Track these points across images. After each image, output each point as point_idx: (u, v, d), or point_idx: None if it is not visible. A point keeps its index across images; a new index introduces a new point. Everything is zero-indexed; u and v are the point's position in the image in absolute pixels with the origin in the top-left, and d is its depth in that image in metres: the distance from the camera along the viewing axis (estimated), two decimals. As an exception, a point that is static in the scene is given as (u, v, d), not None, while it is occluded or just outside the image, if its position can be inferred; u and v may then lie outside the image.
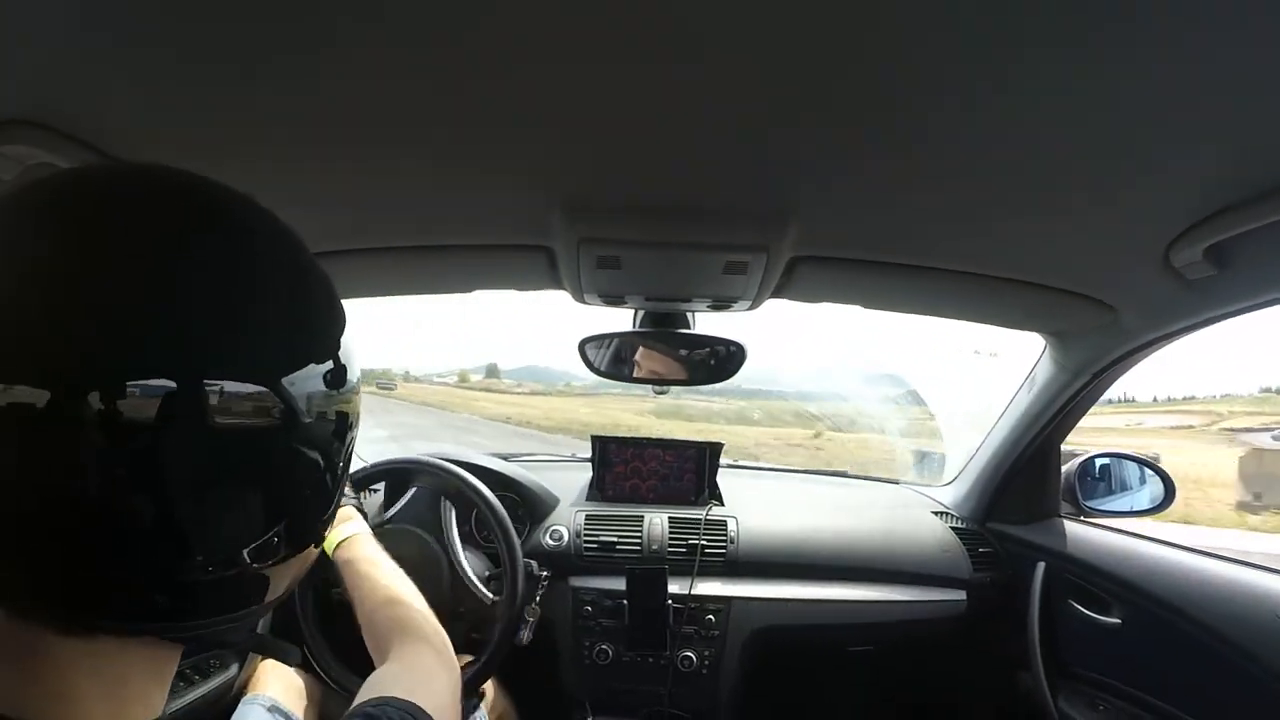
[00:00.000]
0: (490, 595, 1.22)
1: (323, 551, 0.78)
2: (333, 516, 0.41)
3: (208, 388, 0.31)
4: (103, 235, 0.31)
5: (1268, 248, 0.69)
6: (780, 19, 0.45)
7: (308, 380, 0.35)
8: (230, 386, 0.32)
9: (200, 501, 0.33)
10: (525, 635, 1.23)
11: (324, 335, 0.37)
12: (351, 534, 0.83)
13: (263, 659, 1.21)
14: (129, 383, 0.29)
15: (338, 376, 0.36)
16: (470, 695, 1.12)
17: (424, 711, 0.48)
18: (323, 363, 0.36)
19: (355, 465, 1.50)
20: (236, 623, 0.37)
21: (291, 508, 0.37)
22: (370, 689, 0.51)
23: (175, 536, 0.32)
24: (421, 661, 0.62)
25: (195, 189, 0.36)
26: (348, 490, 0.96)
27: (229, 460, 0.33)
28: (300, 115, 0.60)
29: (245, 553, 0.35)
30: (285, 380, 0.34)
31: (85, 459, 0.29)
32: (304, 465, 0.36)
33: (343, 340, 0.38)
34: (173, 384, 0.30)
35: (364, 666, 0.94)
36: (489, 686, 1.28)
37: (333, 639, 1.15)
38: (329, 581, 1.27)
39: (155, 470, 0.31)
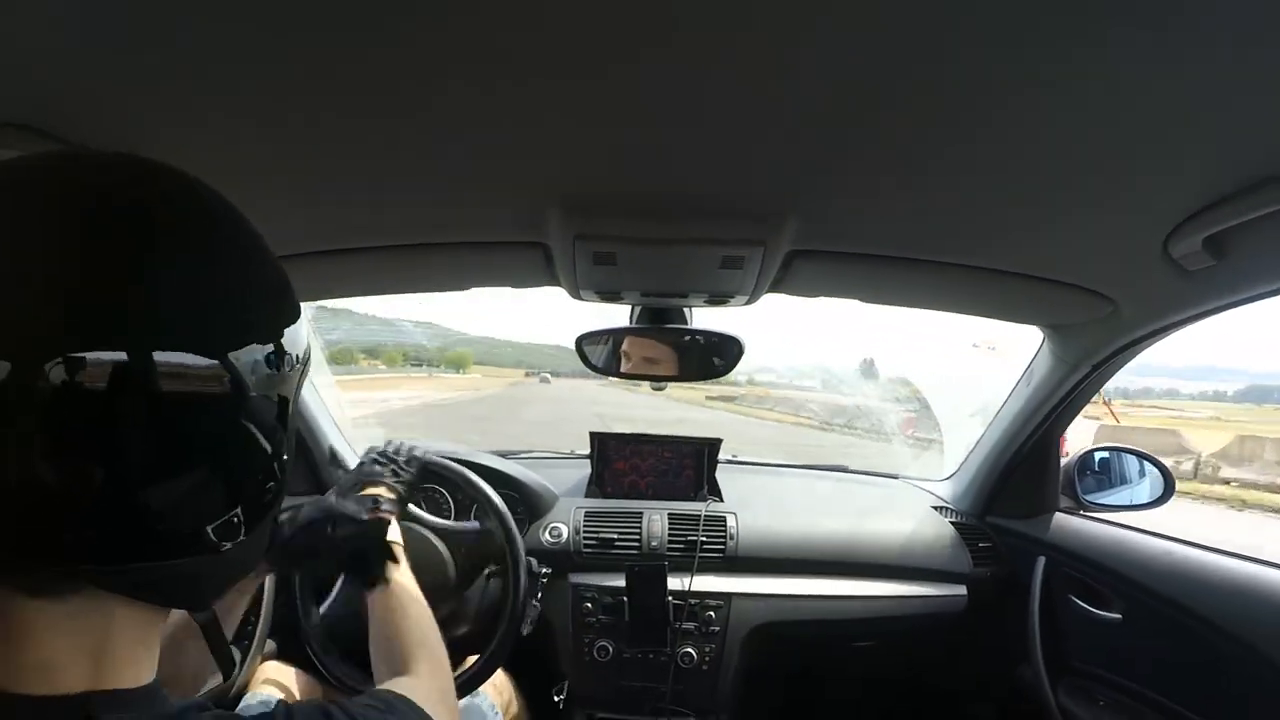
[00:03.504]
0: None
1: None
2: (275, 497, 0.42)
3: (158, 359, 0.33)
4: (63, 217, 0.33)
5: (1266, 237, 0.69)
6: (776, 14, 0.44)
7: (251, 358, 0.37)
8: (180, 358, 0.34)
9: (152, 470, 0.34)
10: (526, 627, 1.23)
11: (270, 319, 0.39)
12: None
13: (262, 660, 1.21)
14: (85, 354, 0.31)
15: (278, 359, 0.39)
16: (473, 689, 1.11)
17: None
18: (265, 344, 0.38)
19: (352, 460, 1.50)
20: (181, 571, 0.37)
21: (236, 476, 0.38)
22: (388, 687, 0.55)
23: (125, 501, 0.33)
24: (435, 685, 0.67)
25: (159, 175, 0.38)
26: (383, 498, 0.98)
27: (178, 429, 0.34)
28: (296, 117, 0.60)
29: (205, 526, 0.37)
30: (231, 355, 0.36)
31: (42, 428, 0.31)
32: (246, 436, 0.38)
33: (288, 330, 0.40)
34: (124, 355, 0.32)
35: (365, 663, 0.94)
36: (505, 684, 1.28)
37: (335, 635, 1.14)
38: (331, 579, 1.27)
39: (109, 439, 0.32)
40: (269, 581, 1.33)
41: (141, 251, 0.34)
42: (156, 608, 0.40)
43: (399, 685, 0.56)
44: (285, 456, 0.42)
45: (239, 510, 0.38)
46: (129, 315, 0.33)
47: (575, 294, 1.05)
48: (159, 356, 0.33)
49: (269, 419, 0.39)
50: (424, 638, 0.75)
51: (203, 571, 0.39)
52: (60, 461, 0.31)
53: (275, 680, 1.16)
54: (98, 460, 0.32)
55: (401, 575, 0.84)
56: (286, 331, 0.40)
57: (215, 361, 0.35)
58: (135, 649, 0.38)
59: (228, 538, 0.38)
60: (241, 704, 1.11)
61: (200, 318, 0.35)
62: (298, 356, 0.41)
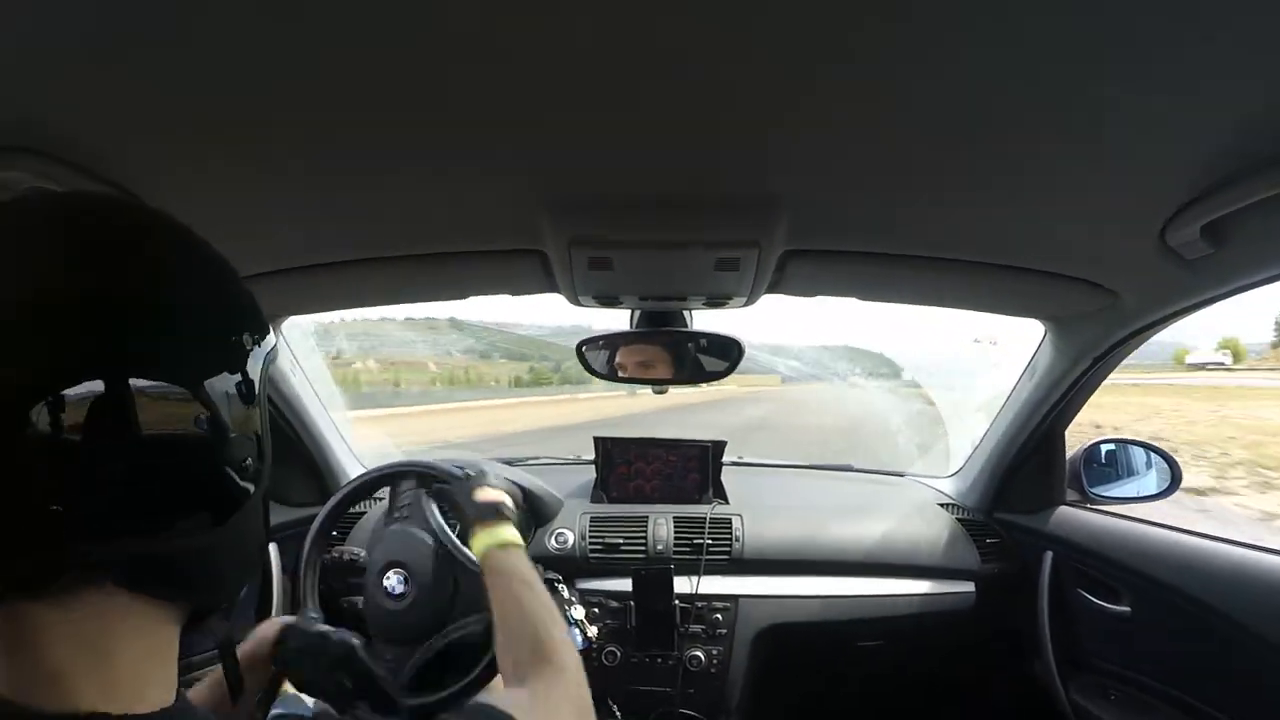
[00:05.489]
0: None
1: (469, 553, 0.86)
2: (253, 481, 0.43)
3: (133, 387, 0.35)
4: (44, 252, 0.36)
5: (1264, 224, 0.68)
6: (765, 13, 0.45)
7: (222, 385, 0.39)
8: (153, 386, 0.36)
9: (133, 460, 0.36)
10: (580, 641, 1.23)
11: (237, 348, 0.41)
12: (506, 543, 0.82)
13: None
14: (64, 391, 0.33)
15: (249, 390, 0.41)
16: (472, 694, 1.11)
17: None
18: (234, 373, 0.40)
19: (356, 470, 1.50)
20: (172, 553, 0.38)
21: (209, 489, 0.40)
22: (498, 702, 0.51)
23: (110, 482, 0.36)
24: (553, 694, 0.60)
25: (123, 210, 0.40)
26: (508, 504, 0.91)
27: (158, 456, 0.37)
28: (290, 133, 0.61)
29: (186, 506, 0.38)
30: (206, 383, 0.38)
31: (27, 457, 0.33)
32: (215, 422, 0.40)
33: (249, 358, 0.42)
34: (100, 385, 0.34)
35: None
36: None
37: (358, 627, 1.14)
38: (337, 591, 1.27)
39: (89, 456, 0.34)
40: (278, 586, 1.33)
41: (113, 285, 0.36)
42: (164, 613, 0.40)
43: (511, 705, 0.50)
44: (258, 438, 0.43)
45: (219, 492, 0.40)
46: (104, 344, 0.35)
47: (574, 300, 1.05)
48: (134, 385, 0.35)
49: (237, 404, 0.41)
50: (546, 636, 0.66)
51: (193, 555, 0.39)
52: (47, 463, 0.34)
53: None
54: (78, 448, 0.34)
55: (519, 562, 0.79)
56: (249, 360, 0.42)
57: (186, 390, 0.37)
58: (147, 661, 0.38)
59: (213, 519, 0.40)
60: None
61: (173, 342, 0.38)
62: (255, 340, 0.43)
